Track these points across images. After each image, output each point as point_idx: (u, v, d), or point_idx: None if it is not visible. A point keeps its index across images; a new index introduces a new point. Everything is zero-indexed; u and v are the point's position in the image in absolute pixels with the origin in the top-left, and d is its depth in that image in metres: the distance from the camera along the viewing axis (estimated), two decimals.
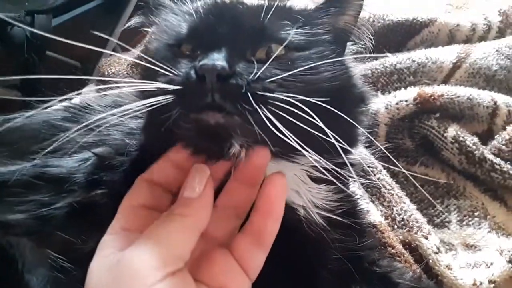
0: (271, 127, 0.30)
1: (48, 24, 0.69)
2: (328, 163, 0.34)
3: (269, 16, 0.35)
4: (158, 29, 0.42)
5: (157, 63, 0.33)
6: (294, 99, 0.31)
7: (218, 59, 0.31)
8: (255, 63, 0.32)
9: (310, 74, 0.34)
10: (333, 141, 0.31)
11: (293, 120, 0.30)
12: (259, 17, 0.36)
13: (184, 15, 0.39)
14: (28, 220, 0.38)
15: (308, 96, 0.31)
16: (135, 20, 0.45)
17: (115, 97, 0.49)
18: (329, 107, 0.31)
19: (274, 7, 0.36)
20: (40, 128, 0.43)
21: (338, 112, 0.32)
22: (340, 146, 0.32)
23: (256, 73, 0.31)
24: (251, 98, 0.30)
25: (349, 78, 0.39)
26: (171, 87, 0.31)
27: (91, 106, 0.47)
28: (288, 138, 0.30)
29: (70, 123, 0.45)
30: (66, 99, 0.53)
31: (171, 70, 0.33)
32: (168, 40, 0.38)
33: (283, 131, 0.30)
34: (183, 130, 0.34)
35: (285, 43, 0.34)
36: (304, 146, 0.31)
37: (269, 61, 0.33)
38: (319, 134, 0.31)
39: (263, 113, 0.30)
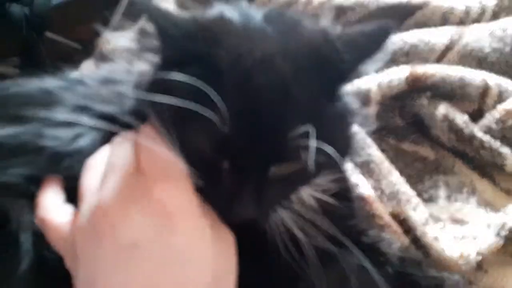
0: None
1: (47, 2, 0.70)
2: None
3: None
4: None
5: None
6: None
7: (247, 210, 0.34)
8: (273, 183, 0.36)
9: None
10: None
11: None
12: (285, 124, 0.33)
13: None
14: (20, 184, 0.39)
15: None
16: None
17: (107, 73, 0.50)
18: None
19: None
20: (36, 93, 0.44)
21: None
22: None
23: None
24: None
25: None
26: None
27: (82, 79, 0.48)
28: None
29: (66, 92, 0.45)
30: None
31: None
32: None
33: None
34: None
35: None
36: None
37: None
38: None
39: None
